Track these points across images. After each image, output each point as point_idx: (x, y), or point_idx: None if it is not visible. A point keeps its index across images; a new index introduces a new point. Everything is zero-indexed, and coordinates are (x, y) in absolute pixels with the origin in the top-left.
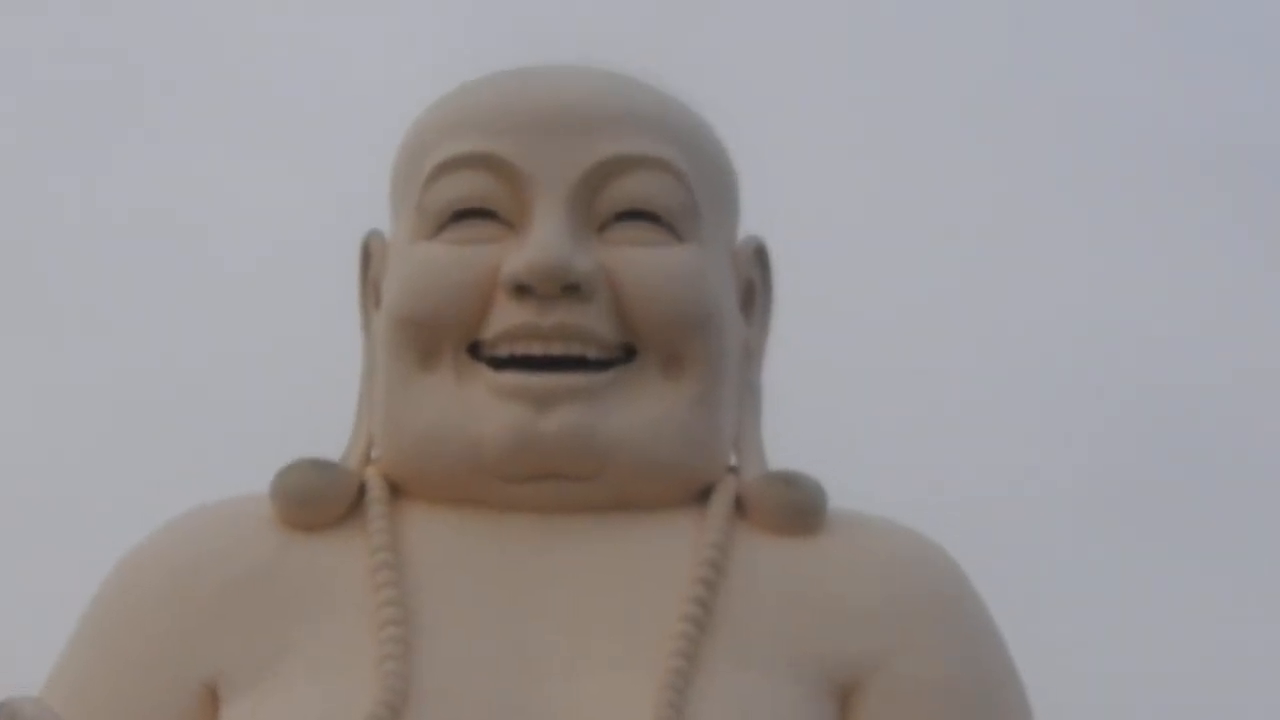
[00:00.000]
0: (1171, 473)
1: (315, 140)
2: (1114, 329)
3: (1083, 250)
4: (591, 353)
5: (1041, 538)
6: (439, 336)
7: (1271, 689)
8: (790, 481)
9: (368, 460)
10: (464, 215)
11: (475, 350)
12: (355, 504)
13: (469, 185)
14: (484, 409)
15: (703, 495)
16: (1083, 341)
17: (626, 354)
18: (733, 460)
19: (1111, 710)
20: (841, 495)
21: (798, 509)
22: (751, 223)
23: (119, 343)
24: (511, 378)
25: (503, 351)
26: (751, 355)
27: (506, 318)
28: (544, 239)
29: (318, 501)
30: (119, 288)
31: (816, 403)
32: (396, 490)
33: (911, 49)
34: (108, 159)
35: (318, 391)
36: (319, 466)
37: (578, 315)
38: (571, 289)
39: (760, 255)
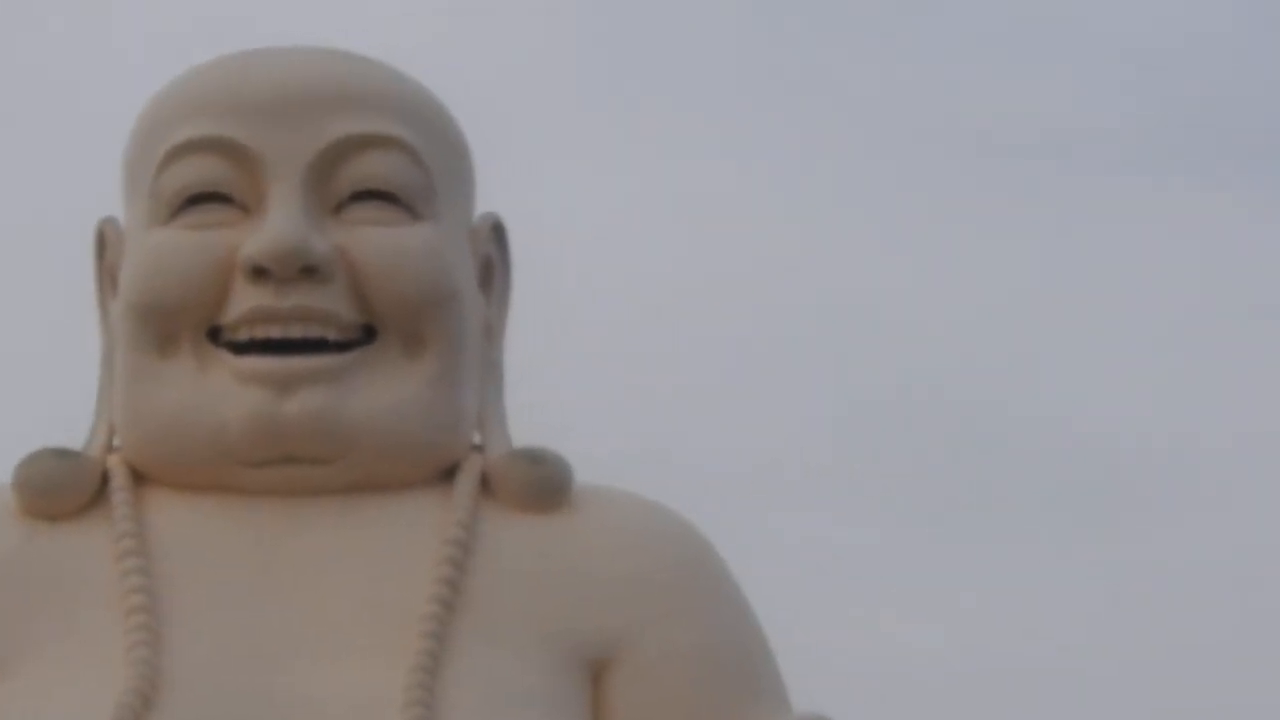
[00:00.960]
0: (923, 452)
1: (49, 126)
2: (867, 310)
3: (841, 234)
4: (332, 334)
5: (792, 513)
6: (177, 322)
7: (1022, 653)
8: (535, 458)
9: (110, 448)
10: (198, 200)
11: (215, 336)
12: (99, 493)
13: (202, 170)
14: (225, 394)
15: (448, 475)
16: (835, 322)
17: (368, 335)
18: (477, 439)
19: (858, 678)
20: (591, 471)
21: (543, 486)
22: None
23: None
24: (252, 362)
25: (242, 336)
26: (492, 333)
27: (244, 301)
28: (280, 222)
29: (59, 491)
30: None
31: (566, 379)
32: (140, 478)
33: (675, 31)
34: None
35: (58, 381)
36: (60, 455)
37: (316, 297)
38: (309, 271)
39: (498, 232)
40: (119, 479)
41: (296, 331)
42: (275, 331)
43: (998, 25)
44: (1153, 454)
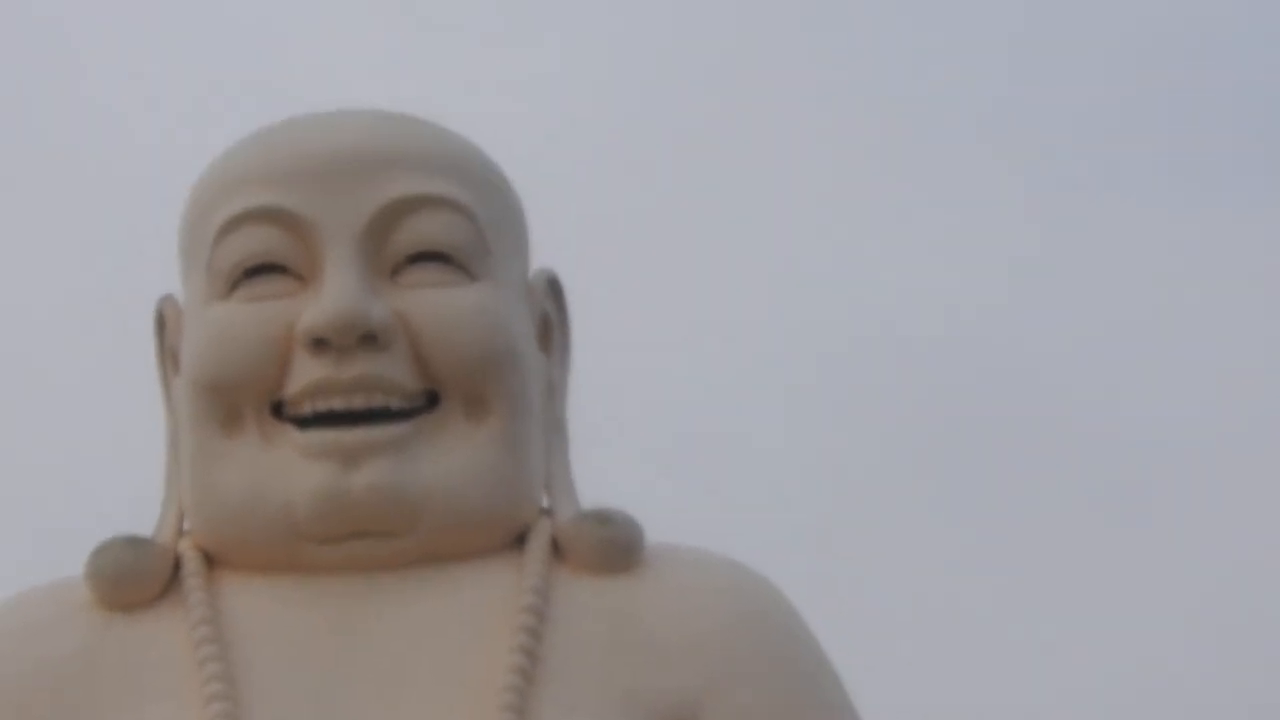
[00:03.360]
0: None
1: (100, 210)
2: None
3: (875, 241)
4: (394, 402)
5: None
6: (240, 399)
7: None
8: (604, 520)
9: (180, 532)
10: (255, 272)
11: (279, 410)
12: (173, 579)
13: (257, 241)
14: (292, 470)
15: (518, 540)
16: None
17: (430, 401)
18: (545, 501)
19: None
20: (657, 523)
21: (613, 547)
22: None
23: None
24: (317, 436)
25: (306, 409)
26: (554, 391)
27: (306, 373)
28: (337, 290)
29: (133, 580)
30: None
31: (626, 433)
32: (213, 560)
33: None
34: None
35: (127, 465)
36: (132, 544)
37: (377, 365)
38: (368, 339)
39: (554, 287)
40: (191, 564)
41: (359, 402)
42: (338, 403)
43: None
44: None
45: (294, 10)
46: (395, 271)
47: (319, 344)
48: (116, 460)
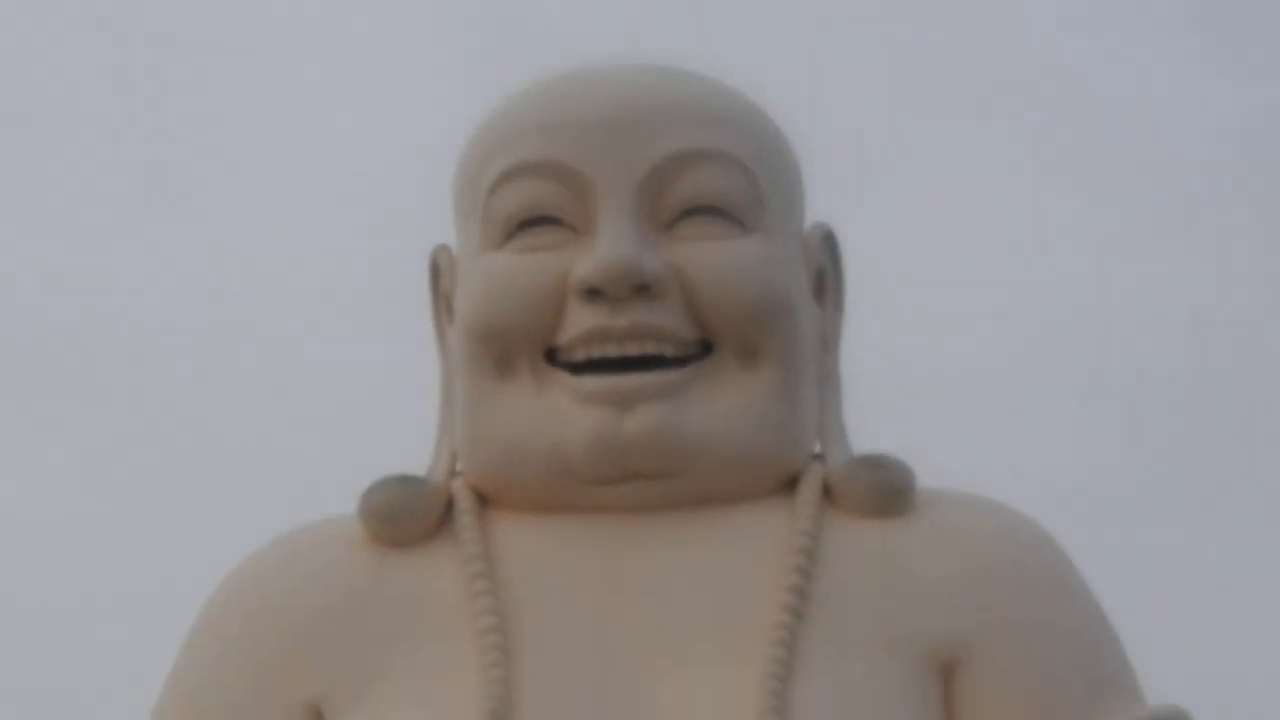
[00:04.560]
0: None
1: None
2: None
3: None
4: (668, 350)
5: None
6: (514, 345)
7: None
8: (876, 464)
9: (453, 473)
10: (529, 223)
11: (551, 356)
12: (444, 518)
13: (531, 193)
14: (566, 414)
15: (789, 485)
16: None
17: (703, 349)
18: (817, 448)
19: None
20: (929, 473)
21: (885, 491)
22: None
23: (206, 369)
24: (591, 381)
25: (579, 356)
26: (828, 342)
27: (580, 322)
28: (611, 241)
29: (406, 518)
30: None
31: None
32: (483, 500)
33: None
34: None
35: (398, 408)
36: (405, 483)
37: (651, 314)
38: (642, 289)
39: (829, 241)
40: (464, 503)
41: (633, 349)
42: (612, 350)
43: None
44: None
45: None
46: (669, 225)
47: (593, 293)
48: (388, 406)
